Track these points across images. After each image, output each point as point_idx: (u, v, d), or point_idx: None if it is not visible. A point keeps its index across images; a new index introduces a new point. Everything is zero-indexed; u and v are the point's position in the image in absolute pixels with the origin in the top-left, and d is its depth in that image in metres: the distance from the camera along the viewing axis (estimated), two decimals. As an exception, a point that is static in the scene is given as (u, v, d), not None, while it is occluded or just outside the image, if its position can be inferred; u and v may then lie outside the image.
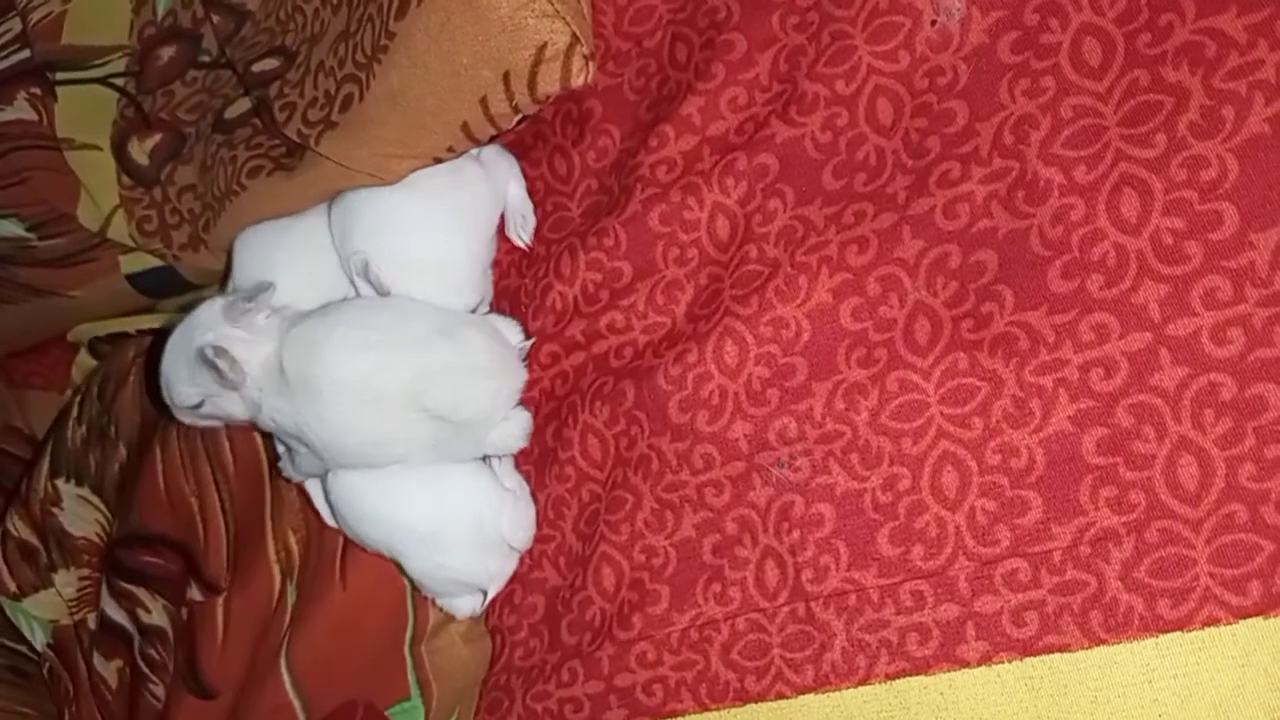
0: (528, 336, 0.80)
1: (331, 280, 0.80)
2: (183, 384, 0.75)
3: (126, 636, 0.91)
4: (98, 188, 0.91)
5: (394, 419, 0.73)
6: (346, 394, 0.72)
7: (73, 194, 0.92)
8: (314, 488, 0.82)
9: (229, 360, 0.72)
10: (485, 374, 0.75)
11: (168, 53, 0.92)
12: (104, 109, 0.92)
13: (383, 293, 0.77)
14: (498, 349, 0.77)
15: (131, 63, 0.93)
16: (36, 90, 0.93)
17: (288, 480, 0.81)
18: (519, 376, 0.78)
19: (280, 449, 0.82)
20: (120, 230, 0.91)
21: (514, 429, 0.77)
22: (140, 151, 0.90)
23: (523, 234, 0.83)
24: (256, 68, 0.82)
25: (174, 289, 0.95)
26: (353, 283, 0.79)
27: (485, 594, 0.78)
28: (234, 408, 0.75)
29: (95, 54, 0.94)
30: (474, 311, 0.80)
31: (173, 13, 0.93)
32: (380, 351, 0.73)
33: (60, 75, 0.93)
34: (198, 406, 0.76)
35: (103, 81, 0.93)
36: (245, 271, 0.82)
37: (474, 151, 0.81)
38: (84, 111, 0.92)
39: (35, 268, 0.94)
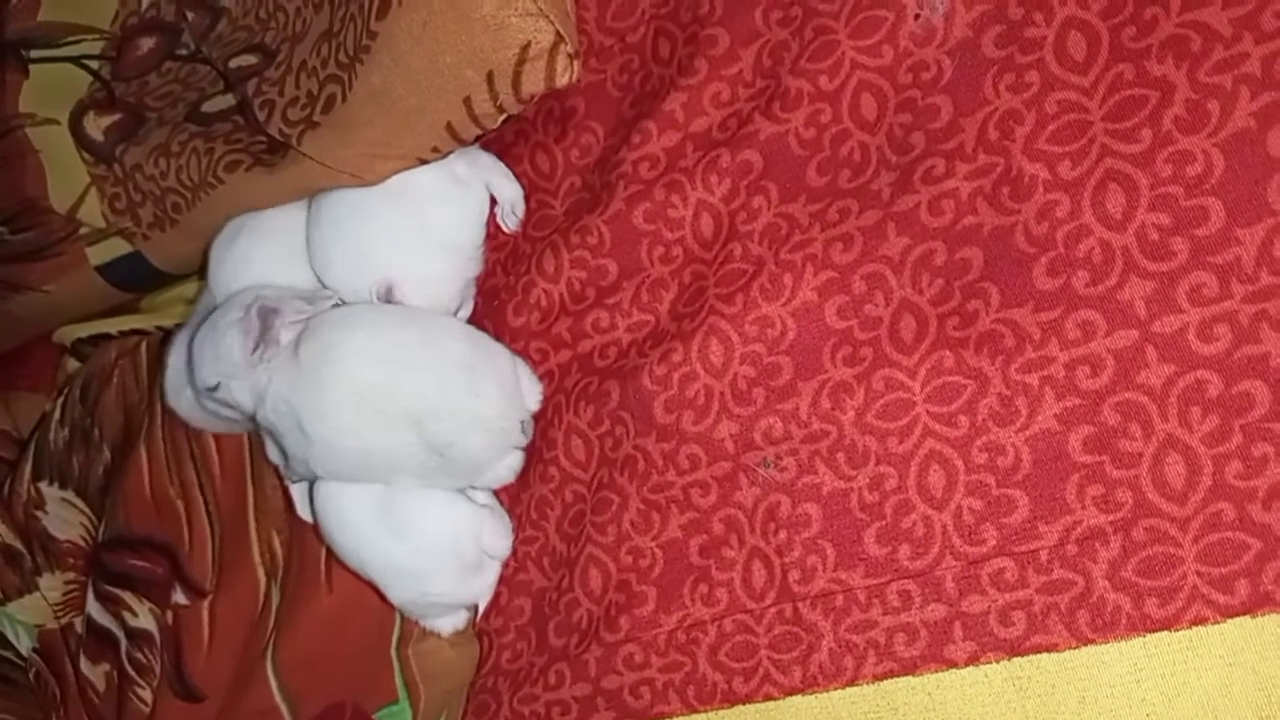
0: (512, 335, 0.80)
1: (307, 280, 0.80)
2: (206, 364, 0.75)
3: (113, 640, 0.91)
4: (63, 165, 0.91)
5: (390, 435, 0.72)
6: (351, 396, 0.72)
7: (39, 175, 0.92)
8: (298, 491, 0.81)
9: (278, 317, 0.73)
10: (489, 428, 0.74)
11: (147, 43, 0.92)
12: (73, 88, 0.92)
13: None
14: (509, 407, 0.75)
15: (108, 48, 0.93)
16: None
17: (290, 480, 0.80)
18: (521, 438, 0.76)
19: (270, 448, 0.81)
20: (93, 209, 0.91)
21: (504, 472, 0.77)
22: (95, 127, 0.90)
23: (509, 221, 0.82)
24: (234, 63, 0.82)
25: (145, 280, 0.94)
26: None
27: (477, 609, 0.79)
28: (242, 395, 0.75)
29: (68, 30, 0.93)
30: (455, 314, 0.80)
31: (156, 5, 0.93)
32: (396, 367, 0.72)
33: (35, 53, 0.93)
34: (214, 389, 0.75)
35: (75, 61, 0.93)
36: (222, 268, 0.82)
37: (456, 168, 0.80)
38: (51, 88, 0.92)
39: (8, 263, 0.94)
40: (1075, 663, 0.60)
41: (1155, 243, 0.60)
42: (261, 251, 0.82)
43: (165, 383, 0.86)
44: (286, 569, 0.84)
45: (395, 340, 0.74)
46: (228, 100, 0.86)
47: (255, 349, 0.73)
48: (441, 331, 0.76)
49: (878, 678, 0.64)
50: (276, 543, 0.85)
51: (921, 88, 0.68)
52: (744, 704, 0.68)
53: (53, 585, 0.94)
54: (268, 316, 0.73)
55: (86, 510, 0.95)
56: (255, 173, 0.81)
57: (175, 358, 0.85)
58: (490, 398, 0.74)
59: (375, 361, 0.72)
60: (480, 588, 0.78)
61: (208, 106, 0.87)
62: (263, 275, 0.80)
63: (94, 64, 0.93)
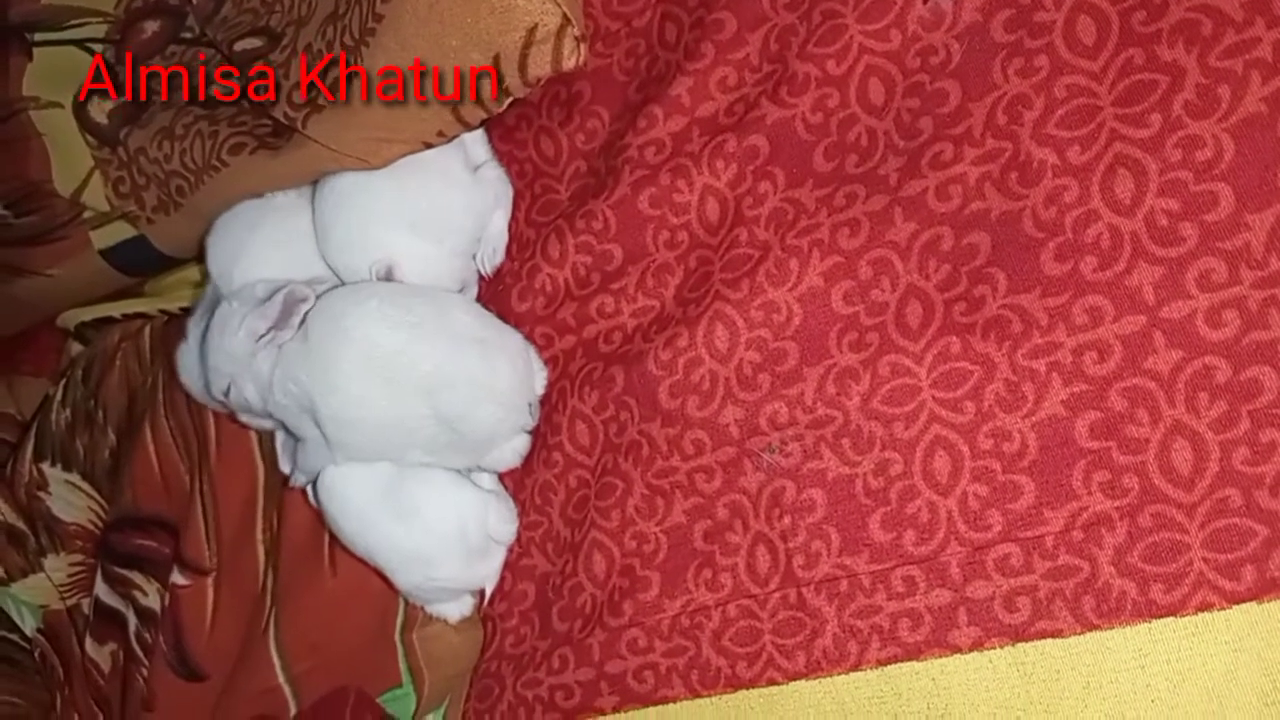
0: (517, 320, 0.79)
1: (308, 264, 0.80)
2: (214, 355, 0.76)
3: (121, 620, 0.91)
4: (66, 148, 0.91)
5: (403, 405, 0.72)
6: (362, 366, 0.71)
7: (43, 158, 0.92)
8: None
9: (304, 304, 0.74)
10: (499, 401, 0.74)
11: (151, 27, 0.92)
12: (76, 71, 0.92)
13: None
14: (520, 384, 0.76)
15: (113, 31, 0.92)
16: None
17: (295, 483, 0.80)
18: (527, 417, 0.77)
19: (282, 447, 0.81)
20: (97, 193, 0.91)
21: (510, 454, 0.77)
22: (99, 111, 0.90)
23: (486, 264, 0.82)
24: (239, 47, 0.81)
25: (149, 264, 0.94)
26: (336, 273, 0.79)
27: (484, 593, 0.79)
28: (250, 393, 0.75)
29: (72, 14, 0.93)
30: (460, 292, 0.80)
31: (161, -12, 0.93)
32: (411, 334, 0.72)
33: (38, 36, 0.93)
34: (227, 393, 0.76)
35: (79, 44, 0.93)
36: (220, 256, 0.82)
37: (475, 159, 0.80)
38: (54, 71, 0.92)
39: (13, 247, 0.94)
40: (1080, 648, 0.60)
41: (1164, 228, 0.60)
42: (260, 241, 0.82)
43: (179, 367, 0.86)
44: (282, 549, 0.84)
45: (408, 308, 0.73)
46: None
47: (266, 333, 0.73)
48: (453, 305, 0.76)
49: (882, 663, 0.64)
50: (276, 522, 0.85)
51: (930, 72, 0.68)
52: (747, 689, 0.68)
53: (58, 566, 0.94)
54: (293, 305, 0.74)
55: (94, 494, 0.95)
56: (260, 156, 0.81)
57: (188, 355, 0.84)
58: (502, 372, 0.74)
59: (389, 329, 0.72)
60: (486, 573, 0.78)
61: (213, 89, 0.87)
62: (257, 261, 0.80)
63: (98, 47, 0.93)
